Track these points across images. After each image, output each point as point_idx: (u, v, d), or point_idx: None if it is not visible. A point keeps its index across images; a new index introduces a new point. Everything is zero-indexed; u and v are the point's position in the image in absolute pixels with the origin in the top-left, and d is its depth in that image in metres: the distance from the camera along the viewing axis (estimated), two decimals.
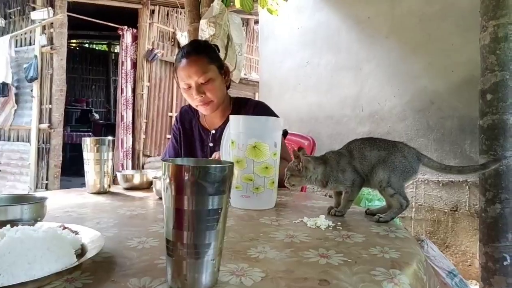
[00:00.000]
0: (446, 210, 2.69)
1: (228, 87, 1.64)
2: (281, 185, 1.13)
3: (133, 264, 0.62)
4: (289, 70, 3.90)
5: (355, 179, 0.97)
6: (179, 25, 6.27)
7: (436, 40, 2.81)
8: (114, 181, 1.39)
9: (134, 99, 5.93)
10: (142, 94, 5.89)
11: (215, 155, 1.40)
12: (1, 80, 4.99)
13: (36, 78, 4.92)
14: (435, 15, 2.81)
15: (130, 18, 5.86)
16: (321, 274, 0.59)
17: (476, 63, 2.09)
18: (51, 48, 5.00)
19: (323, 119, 3.53)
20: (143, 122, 5.92)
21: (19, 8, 5.36)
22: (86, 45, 10.18)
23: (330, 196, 1.16)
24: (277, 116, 1.49)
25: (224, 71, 1.59)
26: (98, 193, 1.29)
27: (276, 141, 1.08)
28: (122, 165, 5.71)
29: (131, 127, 5.88)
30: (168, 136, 5.84)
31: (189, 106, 1.68)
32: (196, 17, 3.53)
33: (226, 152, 1.22)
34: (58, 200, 1.15)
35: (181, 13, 6.15)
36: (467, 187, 2.60)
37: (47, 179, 5.06)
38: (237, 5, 3.34)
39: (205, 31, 3.34)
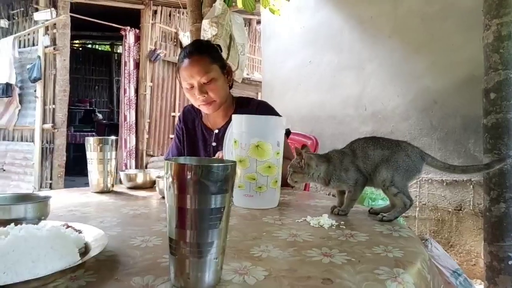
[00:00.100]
0: (450, 210, 2.68)
1: (230, 87, 1.64)
2: (284, 184, 1.13)
3: (136, 262, 0.62)
4: (291, 69, 3.89)
5: (358, 178, 0.97)
6: (181, 25, 6.27)
7: (438, 40, 2.80)
8: (117, 180, 1.39)
9: (137, 99, 5.94)
10: (145, 94, 5.90)
11: (218, 155, 1.40)
12: (4, 81, 5.01)
13: (40, 79, 4.94)
14: (437, 15, 2.80)
15: (133, 19, 5.87)
16: (324, 273, 0.58)
17: (479, 62, 2.08)
18: (54, 48, 5.02)
19: (325, 118, 3.52)
20: (146, 122, 5.93)
21: (22, 9, 5.39)
22: (89, 46, 10.21)
23: (333, 195, 1.16)
24: (279, 115, 1.49)
25: (226, 70, 1.59)
26: (102, 192, 1.29)
27: (279, 140, 1.08)
28: (126, 165, 5.72)
29: (134, 127, 5.89)
30: (171, 136, 5.85)
31: (192, 105, 1.68)
32: (198, 17, 3.53)
33: (229, 151, 1.22)
34: (61, 199, 1.15)
35: (183, 13, 6.15)
36: (471, 186, 2.58)
37: (51, 178, 5.07)
38: (239, 5, 3.34)
39: (207, 31, 3.34)
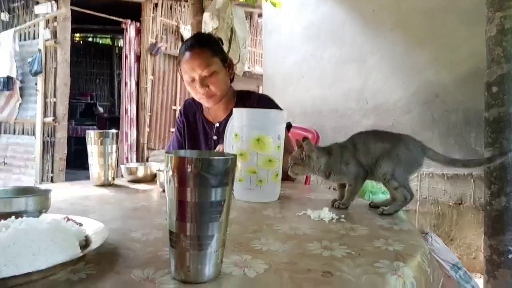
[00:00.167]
0: (450, 203, 2.68)
1: (231, 80, 1.63)
2: (284, 177, 1.13)
3: (137, 255, 0.63)
4: (293, 63, 3.88)
5: (358, 171, 0.97)
6: (182, 18, 6.24)
7: (441, 33, 2.78)
8: (118, 173, 1.39)
9: (138, 93, 5.93)
10: (146, 88, 5.89)
11: (218, 148, 1.40)
12: (5, 74, 5.01)
13: (40, 72, 4.93)
14: (440, 8, 2.78)
15: (134, 12, 5.84)
16: (325, 266, 0.58)
17: (481, 56, 2.07)
18: (55, 42, 5.01)
19: (327, 112, 3.52)
20: (147, 116, 5.93)
21: (22, 2, 5.36)
22: (90, 39, 10.18)
23: (334, 189, 1.16)
24: (280, 109, 1.48)
25: (227, 64, 1.59)
26: (102, 185, 1.29)
27: (279, 134, 1.08)
28: (127, 158, 5.73)
29: (135, 121, 5.89)
30: (172, 129, 5.85)
31: (193, 99, 1.67)
32: (200, 10, 3.52)
33: (230, 144, 1.22)
34: (62, 192, 1.15)
35: (184, 6, 6.12)
36: (472, 180, 2.58)
37: (52, 172, 5.09)
38: None
39: (209, 24, 3.32)
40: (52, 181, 4.99)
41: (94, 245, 0.60)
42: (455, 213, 2.65)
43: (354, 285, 0.53)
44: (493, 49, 1.95)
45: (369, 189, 1.89)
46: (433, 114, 2.80)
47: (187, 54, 1.50)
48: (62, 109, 5.13)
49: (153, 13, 5.91)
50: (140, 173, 1.40)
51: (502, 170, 1.90)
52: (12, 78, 5.06)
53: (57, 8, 4.97)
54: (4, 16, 5.40)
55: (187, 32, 5.88)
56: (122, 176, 1.42)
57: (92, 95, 9.40)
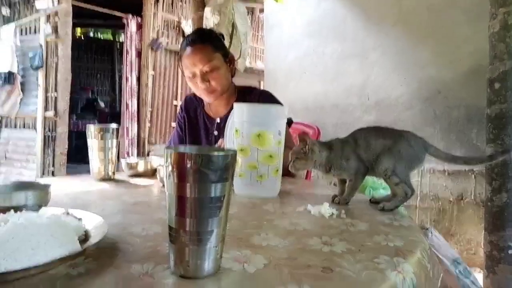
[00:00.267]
0: (451, 199, 2.68)
1: (232, 76, 1.63)
2: (285, 173, 1.13)
3: (136, 250, 0.63)
4: (294, 59, 3.86)
5: (359, 167, 0.96)
6: (183, 13, 6.22)
7: (443, 29, 2.76)
8: (119, 168, 1.39)
9: (139, 88, 5.92)
10: (147, 83, 5.88)
11: (219, 143, 1.40)
12: (7, 69, 5.00)
13: (41, 67, 4.93)
14: (443, 4, 2.76)
15: (135, 7, 5.82)
16: (324, 261, 0.58)
17: (484, 52, 2.06)
18: (56, 37, 4.99)
19: (328, 108, 3.51)
20: (148, 111, 5.92)
21: None
22: (91, 34, 10.15)
23: (334, 184, 1.16)
24: (281, 104, 1.48)
25: (229, 59, 1.58)
26: (103, 180, 1.29)
27: (280, 130, 1.08)
28: (128, 153, 5.73)
29: (136, 116, 5.88)
30: (173, 124, 5.84)
31: (194, 94, 1.67)
32: (201, 5, 3.50)
33: (230, 140, 1.22)
34: (63, 186, 1.15)
35: (185, 1, 6.09)
36: (473, 176, 2.58)
37: (53, 166, 5.09)
38: None
39: (210, 20, 3.31)
40: (53, 175, 5.00)
41: (93, 239, 0.60)
42: (456, 209, 2.65)
43: (354, 281, 0.52)
44: (496, 45, 1.94)
45: (370, 184, 1.88)
46: (434, 110, 2.80)
47: (188, 49, 1.50)
48: (63, 104, 5.12)
49: (154, 8, 5.88)
50: (141, 167, 1.40)
51: (504, 166, 1.90)
52: (13, 73, 5.06)
53: (58, 3, 4.95)
54: (5, 11, 5.39)
55: (188, 28, 5.86)
56: (122, 170, 1.42)
57: (93, 90, 9.39)
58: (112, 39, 10.27)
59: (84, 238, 0.64)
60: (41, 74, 5.01)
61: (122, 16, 5.81)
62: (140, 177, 1.36)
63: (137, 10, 5.85)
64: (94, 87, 9.58)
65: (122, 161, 1.41)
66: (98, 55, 9.89)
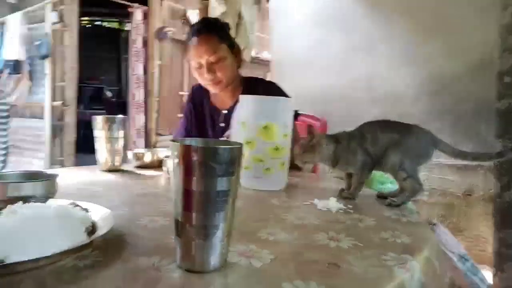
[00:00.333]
0: (459, 194, 2.66)
1: (239, 67, 1.62)
2: (291, 166, 1.12)
3: (143, 242, 0.63)
4: (301, 49, 3.83)
5: (365, 161, 0.95)
6: (190, 3, 6.17)
7: (453, 20, 2.71)
8: (126, 159, 1.39)
9: (145, 78, 5.91)
10: (153, 73, 5.87)
11: (226, 136, 1.39)
12: (14, 57, 5.01)
13: (48, 56, 4.93)
14: None
15: None
16: (331, 257, 0.58)
17: (494, 44, 2.02)
18: (62, 25, 4.99)
19: (335, 100, 3.48)
20: (155, 101, 5.92)
21: None
22: (97, 23, 10.13)
23: (341, 178, 1.15)
24: (288, 96, 1.47)
25: (235, 50, 1.57)
26: (110, 171, 1.30)
27: (287, 122, 1.07)
28: (135, 143, 5.75)
29: (143, 106, 5.89)
30: (179, 114, 5.84)
31: (200, 85, 1.66)
32: None
33: (237, 132, 1.21)
34: (70, 177, 1.15)
35: None
36: (482, 171, 2.55)
37: (61, 155, 5.13)
38: None
39: (216, 9, 3.29)
40: (61, 164, 5.03)
41: (100, 231, 0.60)
42: (464, 204, 2.63)
43: (361, 277, 0.52)
44: (506, 37, 1.91)
45: (377, 178, 1.88)
46: (443, 104, 2.76)
47: (194, 39, 1.49)
48: (71, 93, 5.13)
49: None
50: (147, 158, 1.40)
51: None
52: (21, 61, 5.07)
53: None
54: None
55: (194, 17, 5.82)
56: (129, 161, 1.43)
57: (100, 79, 9.40)
58: (118, 28, 10.24)
59: (91, 229, 0.64)
60: (48, 63, 5.01)
61: (128, 5, 5.78)
62: (147, 168, 1.37)
63: None
64: (100, 76, 9.59)
65: (129, 152, 1.41)
66: (105, 44, 9.89)
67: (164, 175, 1.24)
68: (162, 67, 5.94)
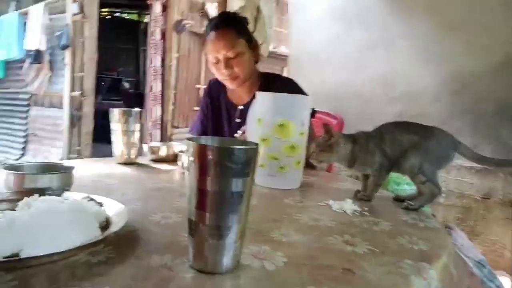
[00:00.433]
0: (477, 197, 2.60)
1: (256, 62, 1.60)
2: (305, 164, 1.11)
3: (156, 239, 0.63)
4: (319, 45, 3.78)
5: (383, 162, 0.93)
6: None
7: (476, 18, 2.63)
8: (141, 151, 1.40)
9: (163, 70, 5.94)
10: (171, 65, 5.89)
11: (241, 132, 1.38)
12: (35, 47, 5.10)
13: (68, 46, 5.00)
14: None
15: None
16: (346, 262, 0.57)
17: None
18: (82, 16, 5.04)
19: (351, 97, 3.43)
20: (172, 93, 5.95)
21: None
22: (116, 14, 10.22)
23: (356, 178, 1.13)
24: (306, 94, 1.45)
25: (252, 45, 1.55)
26: (125, 163, 1.30)
27: (303, 120, 1.06)
28: (151, 135, 5.80)
29: (160, 98, 5.92)
30: (195, 108, 5.86)
31: (217, 79, 1.66)
32: None
33: (252, 129, 1.20)
34: (86, 169, 1.16)
35: None
36: (502, 175, 2.48)
37: (79, 145, 5.21)
38: None
39: (235, 2, 3.26)
40: (79, 154, 5.11)
41: (114, 227, 0.60)
42: (482, 208, 2.56)
43: (376, 285, 0.51)
44: None
45: (393, 179, 1.84)
46: (463, 104, 2.70)
47: (213, 33, 1.48)
48: (89, 84, 5.20)
49: None
50: (163, 152, 1.41)
51: None
52: (42, 51, 5.16)
53: None
54: None
55: (213, 10, 5.80)
56: (145, 154, 1.43)
57: (118, 70, 9.50)
58: (137, 20, 10.32)
59: (105, 224, 0.64)
60: (68, 53, 5.08)
61: None
62: (162, 162, 1.37)
63: None
64: (119, 67, 9.69)
65: (144, 145, 1.41)
66: (123, 36, 9.97)
67: (178, 170, 1.24)
68: (179, 59, 5.96)
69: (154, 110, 5.87)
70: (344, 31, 3.53)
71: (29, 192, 0.71)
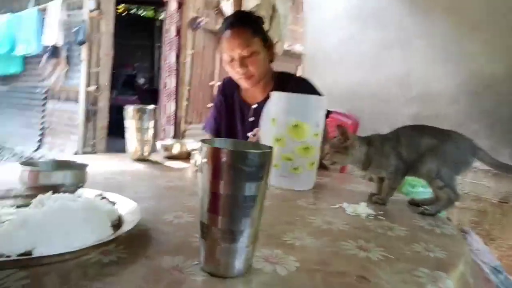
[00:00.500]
0: (494, 201, 2.54)
1: (271, 61, 1.59)
2: (318, 165, 1.09)
3: (168, 239, 0.62)
4: (334, 43, 3.75)
5: (399, 166, 0.91)
6: None
7: (498, 17, 2.57)
8: (155, 147, 1.40)
9: (177, 66, 5.97)
10: (185, 62, 5.91)
11: (252, 136, 1.37)
12: (53, 42, 5.17)
13: (85, 42, 5.06)
14: None
15: None
16: (359, 269, 0.56)
17: None
18: (99, 12, 5.09)
19: (366, 96, 3.40)
20: (186, 90, 5.98)
21: None
22: (133, 11, 10.31)
23: (370, 180, 1.11)
24: (321, 94, 1.43)
25: (268, 44, 1.54)
26: (138, 160, 1.31)
27: (318, 121, 1.04)
28: (164, 130, 5.83)
29: (174, 94, 5.95)
30: (209, 104, 5.87)
31: (231, 77, 1.65)
32: None
33: (266, 129, 1.19)
34: (100, 165, 1.17)
35: None
36: None
37: (94, 139, 5.28)
38: None
39: (250, 1, 3.25)
40: (93, 147, 5.18)
41: (126, 227, 0.60)
42: (499, 212, 2.51)
43: None
44: None
45: (408, 181, 1.81)
46: (481, 106, 2.64)
47: (228, 32, 1.47)
48: (105, 79, 5.25)
49: None
50: (176, 150, 1.41)
51: None
52: (59, 47, 5.23)
53: None
54: None
55: (228, 8, 5.80)
56: (158, 151, 1.43)
57: (133, 66, 9.58)
58: (152, 16, 10.38)
59: (117, 223, 0.64)
60: (84, 49, 5.14)
61: None
62: (175, 159, 1.37)
63: None
64: (133, 63, 9.76)
65: (158, 143, 1.42)
66: (139, 32, 10.04)
67: (191, 168, 1.23)
68: (194, 56, 5.98)
69: (168, 106, 5.90)
70: (360, 30, 3.49)
71: (44, 188, 0.72)
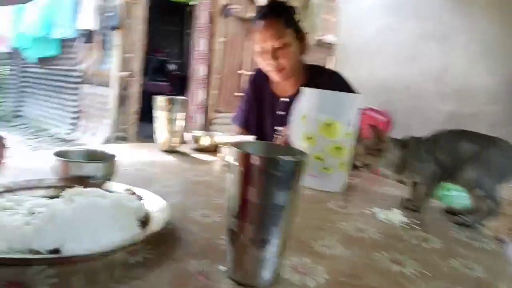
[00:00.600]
0: None
1: (303, 53, 1.55)
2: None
3: (195, 240, 0.61)
4: (369, 34, 3.64)
5: (435, 171, 0.87)
6: None
7: None
8: (183, 140, 1.40)
9: (208, 54, 5.97)
10: (216, 50, 5.91)
11: (283, 131, 1.34)
12: (87, 27, 5.28)
13: (118, 27, 5.13)
14: None
15: None
16: (393, 285, 0.53)
17: None
18: None
19: (400, 91, 3.29)
20: (216, 78, 5.98)
21: None
22: None
23: (402, 182, 1.07)
24: (354, 91, 1.38)
25: (300, 35, 1.50)
26: (167, 151, 1.31)
27: (351, 120, 1.00)
28: (192, 118, 5.88)
29: (204, 81, 5.97)
30: (237, 93, 5.87)
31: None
32: None
33: (296, 127, 1.16)
34: (130, 155, 1.17)
35: None
36: None
37: (125, 124, 5.39)
38: None
39: None
40: (124, 132, 5.29)
41: (155, 226, 0.59)
42: None
43: None
44: None
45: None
46: None
47: (260, 23, 1.44)
48: (137, 65, 5.33)
49: None
50: (205, 142, 1.40)
51: None
52: (93, 31, 5.34)
53: None
54: None
55: None
56: (187, 142, 1.43)
57: (164, 52, 9.66)
58: (184, 2, 10.40)
59: (145, 220, 0.63)
60: (117, 34, 5.23)
61: None
62: (204, 151, 1.37)
63: None
64: (165, 49, 9.85)
65: (186, 134, 1.41)
66: (170, 18, 10.09)
67: (219, 162, 1.23)
68: (225, 44, 5.96)
69: (197, 93, 5.94)
70: (396, 21, 3.37)
71: (74, 180, 0.73)
